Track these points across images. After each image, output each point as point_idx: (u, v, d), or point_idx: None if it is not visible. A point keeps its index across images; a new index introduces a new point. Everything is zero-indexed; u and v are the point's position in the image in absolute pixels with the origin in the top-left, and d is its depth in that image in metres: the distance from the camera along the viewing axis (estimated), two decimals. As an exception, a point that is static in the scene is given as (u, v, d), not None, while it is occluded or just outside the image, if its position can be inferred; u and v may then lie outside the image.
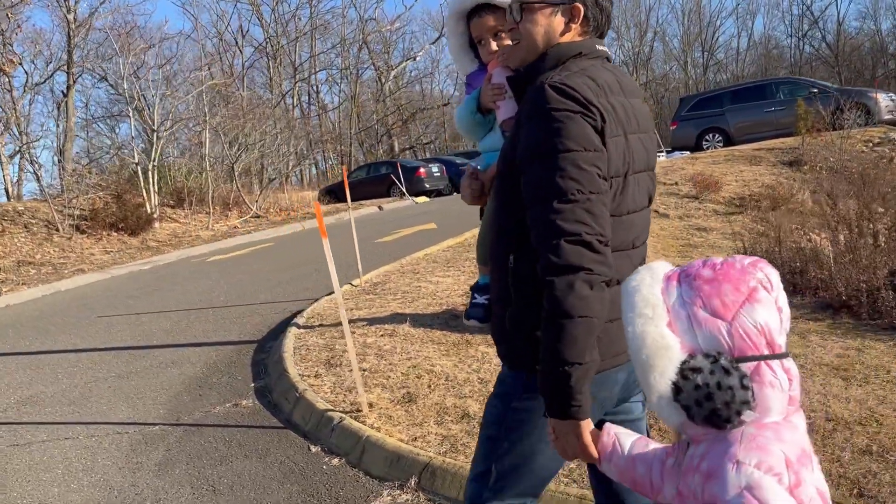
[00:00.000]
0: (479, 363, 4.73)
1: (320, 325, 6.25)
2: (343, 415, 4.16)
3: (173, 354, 6.44)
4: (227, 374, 5.66)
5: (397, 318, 6.01)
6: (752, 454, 1.06)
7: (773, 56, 70.21)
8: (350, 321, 6.15)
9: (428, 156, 47.81)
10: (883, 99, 18.05)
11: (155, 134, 17.98)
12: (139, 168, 17.77)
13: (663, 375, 1.14)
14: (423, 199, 22.78)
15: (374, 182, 25.86)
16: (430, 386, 4.42)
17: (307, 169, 47.83)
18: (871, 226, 6.00)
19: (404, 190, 23.10)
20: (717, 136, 19.52)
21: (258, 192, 20.57)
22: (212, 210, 18.88)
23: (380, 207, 20.67)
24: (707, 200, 11.61)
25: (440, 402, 4.16)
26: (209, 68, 24.02)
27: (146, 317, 8.30)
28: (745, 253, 7.29)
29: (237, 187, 20.22)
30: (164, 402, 5.16)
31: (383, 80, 51.33)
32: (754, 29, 70.52)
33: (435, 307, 6.25)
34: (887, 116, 17.78)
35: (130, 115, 18.29)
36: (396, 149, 51.11)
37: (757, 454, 1.06)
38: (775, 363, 1.11)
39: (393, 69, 52.69)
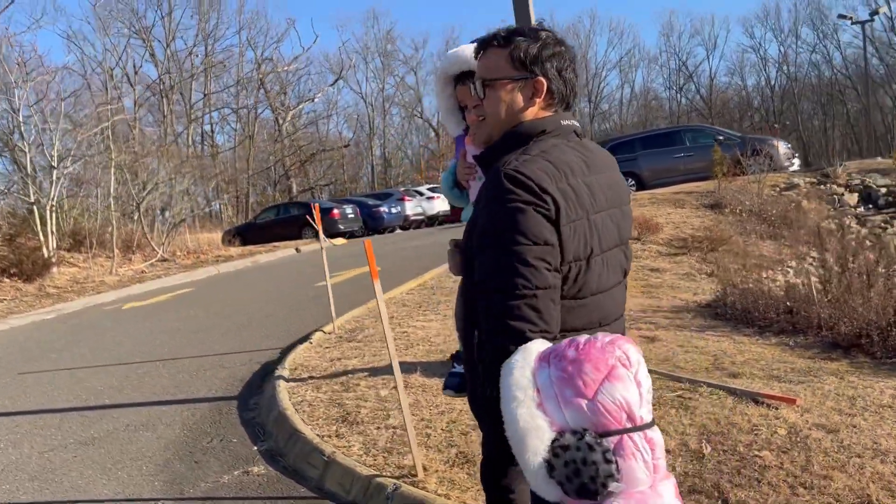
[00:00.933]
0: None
1: (311, 378, 5.69)
2: (396, 480, 3.68)
3: (137, 415, 5.68)
4: (217, 436, 5.01)
5: (403, 368, 5.54)
6: None
7: (653, 107, 74.35)
8: (346, 372, 5.65)
9: (325, 197, 47.14)
10: (783, 147, 19.24)
11: (54, 172, 16.62)
12: (35, 208, 16.33)
13: (536, 454, 1.20)
14: (340, 240, 22.19)
15: (285, 224, 25.05)
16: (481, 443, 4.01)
17: (199, 210, 45.89)
18: (854, 266, 6.09)
19: (320, 231, 22.40)
20: (630, 179, 20.07)
21: (164, 235, 19.35)
22: (115, 253, 17.57)
23: (297, 250, 19.94)
24: (649, 242, 11.78)
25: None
26: (107, 104, 22.60)
27: (81, 372, 7.39)
28: (725, 294, 7.34)
29: (143, 229, 18.96)
30: (155, 473, 4.47)
31: (281, 121, 50.41)
32: (636, 81, 74.18)
33: (437, 354, 5.84)
34: (786, 163, 18.95)
35: (25, 150, 16.81)
36: (294, 190, 50.09)
37: None
38: (637, 435, 1.19)
39: (290, 110, 51.90)
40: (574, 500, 1.20)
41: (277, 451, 4.57)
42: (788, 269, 11.65)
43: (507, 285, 1.45)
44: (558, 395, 1.21)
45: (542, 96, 1.68)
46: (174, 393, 6.19)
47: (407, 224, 28.17)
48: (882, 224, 15.19)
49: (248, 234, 24.38)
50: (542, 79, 1.66)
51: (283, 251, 19.67)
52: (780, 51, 69.83)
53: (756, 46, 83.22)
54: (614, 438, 1.19)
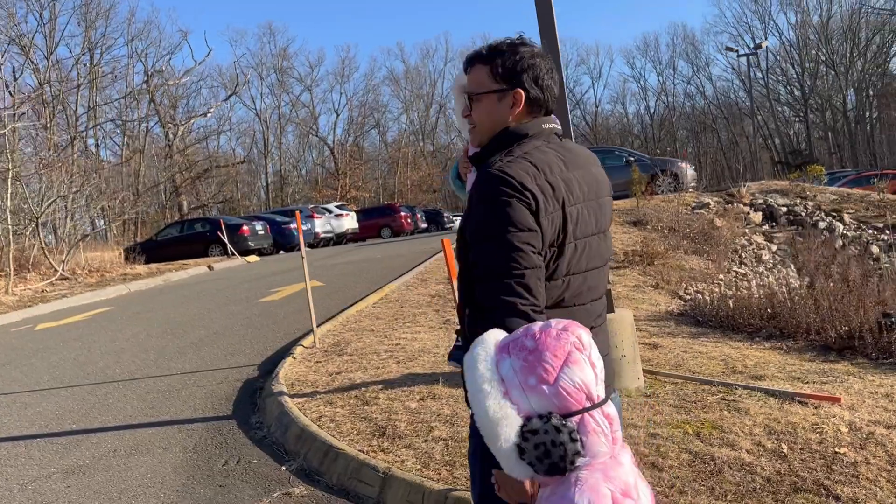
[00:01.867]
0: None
1: (316, 393, 5.36)
2: (475, 492, 3.48)
3: (120, 440, 5.17)
4: (231, 457, 4.61)
5: (419, 380, 5.33)
6: (584, 496, 1.26)
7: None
8: (354, 386, 5.38)
9: (215, 213, 45.50)
10: (688, 169, 20.26)
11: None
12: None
13: (507, 441, 1.29)
14: (253, 258, 21.39)
15: (189, 240, 23.95)
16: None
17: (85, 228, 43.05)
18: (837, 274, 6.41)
19: (232, 249, 21.55)
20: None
21: (66, 252, 18.02)
22: (11, 271, 16.18)
23: (210, 267, 19.04)
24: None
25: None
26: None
27: (24, 397, 6.68)
28: (704, 302, 7.55)
29: (42, 245, 17.58)
30: (177, 500, 4.05)
31: (171, 137, 48.36)
32: (526, 106, 76.07)
33: (447, 365, 5.65)
34: (692, 184, 19.95)
35: None
36: (185, 208, 48.06)
37: (588, 495, 1.26)
38: (597, 412, 1.30)
39: (181, 125, 49.91)
40: (544, 476, 1.31)
41: (312, 469, 4.24)
42: (720, 282, 12.21)
43: (501, 268, 1.65)
44: (522, 383, 1.30)
45: (522, 106, 1.86)
46: (152, 415, 5.68)
47: (316, 242, 27.59)
48: (786, 241, 16.20)
49: (150, 251, 23.10)
50: (520, 90, 1.86)
51: (194, 269, 18.72)
52: (658, 81, 74.07)
53: (637, 76, 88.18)
54: (577, 418, 1.29)
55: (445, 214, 44.02)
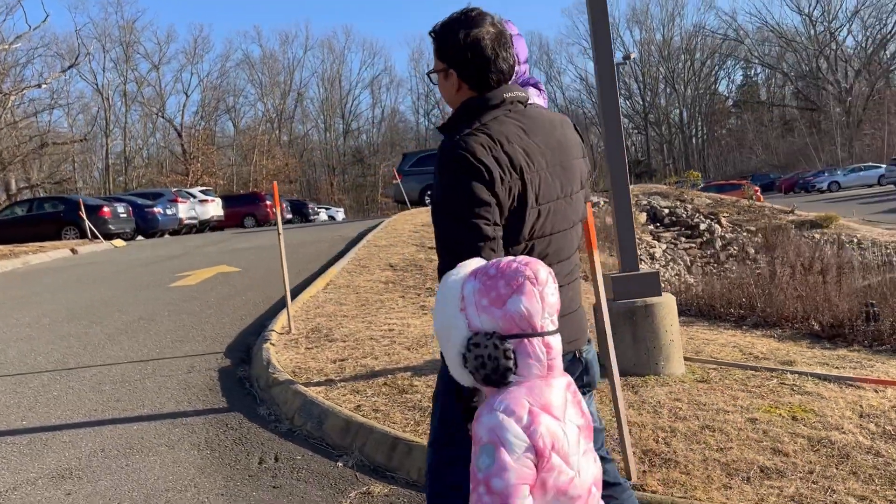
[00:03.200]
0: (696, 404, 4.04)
1: (331, 381, 4.79)
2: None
3: (101, 438, 4.37)
4: (263, 453, 3.99)
5: (431, 367, 4.90)
6: (504, 402, 1.41)
7: (400, 129, 76.83)
8: (375, 374, 4.88)
9: (43, 194, 41.53)
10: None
11: None
12: None
13: (455, 347, 1.46)
14: (119, 242, 19.59)
15: (39, 221, 21.53)
16: (666, 442, 3.63)
17: None
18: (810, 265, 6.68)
19: (94, 231, 19.59)
20: (438, 192, 20.42)
21: None
22: None
23: (73, 250, 17.18)
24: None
25: (724, 458, 3.43)
26: None
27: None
28: (679, 290, 7.62)
29: None
30: (230, 505, 3.41)
31: None
32: (385, 102, 76.00)
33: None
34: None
35: None
36: (14, 187, 43.42)
37: (506, 402, 1.41)
38: (536, 340, 1.44)
39: (11, 95, 45.00)
40: (482, 385, 1.47)
41: (377, 465, 3.73)
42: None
43: (455, 242, 1.74)
44: (476, 303, 1.46)
45: (459, 84, 1.90)
46: (125, 409, 4.86)
47: (180, 228, 25.80)
48: (672, 240, 17.11)
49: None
50: (452, 71, 1.89)
51: (54, 252, 16.76)
52: (514, 86, 76.25)
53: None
54: (516, 340, 1.43)
55: (310, 206, 42.77)
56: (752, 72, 70.75)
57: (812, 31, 63.36)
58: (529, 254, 1.84)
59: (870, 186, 42.96)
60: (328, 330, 6.18)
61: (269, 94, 70.02)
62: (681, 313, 6.99)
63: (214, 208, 29.18)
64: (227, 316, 7.50)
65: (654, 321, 4.67)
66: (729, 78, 73.12)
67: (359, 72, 74.51)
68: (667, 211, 18.63)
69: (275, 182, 6.64)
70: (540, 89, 3.85)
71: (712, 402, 4.05)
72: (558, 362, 1.50)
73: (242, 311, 7.66)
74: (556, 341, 1.49)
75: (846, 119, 57.65)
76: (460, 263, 1.57)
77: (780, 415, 3.85)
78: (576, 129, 2.09)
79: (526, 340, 1.45)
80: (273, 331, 6.20)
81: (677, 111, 70.26)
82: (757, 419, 3.79)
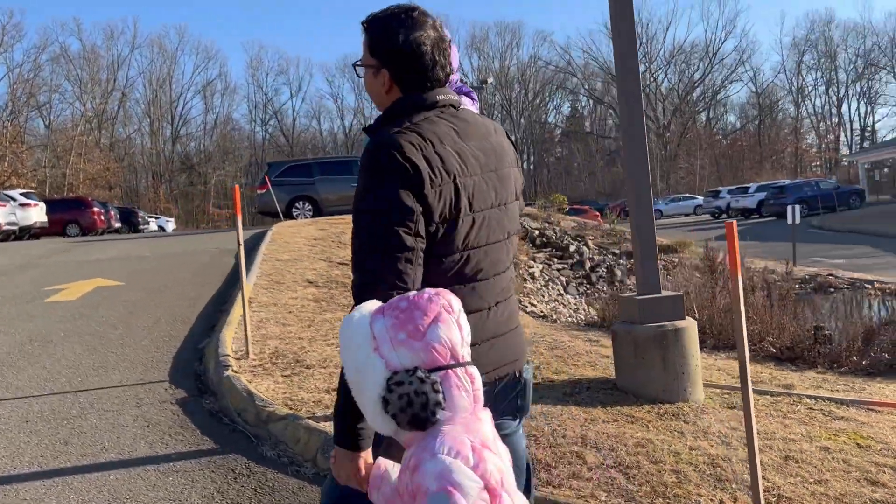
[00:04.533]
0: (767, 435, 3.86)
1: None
2: None
3: (69, 489, 3.51)
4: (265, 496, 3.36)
5: None
6: (445, 444, 1.30)
7: (234, 137, 73.77)
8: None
9: None
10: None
11: None
12: None
13: (372, 391, 1.34)
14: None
15: None
16: (765, 476, 3.45)
17: None
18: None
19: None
20: (307, 204, 19.62)
21: None
22: None
23: None
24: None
25: (829, 492, 3.29)
26: None
27: None
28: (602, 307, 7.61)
29: None
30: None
31: None
32: (219, 109, 72.53)
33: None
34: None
35: None
36: None
37: (448, 443, 1.30)
38: (460, 370, 1.37)
39: None
40: (407, 430, 1.34)
41: None
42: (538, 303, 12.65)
43: (374, 244, 1.58)
44: (392, 339, 1.35)
45: (390, 85, 1.76)
46: (86, 455, 3.98)
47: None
48: (546, 261, 17.51)
49: None
50: (385, 71, 1.75)
51: None
52: (356, 102, 75.85)
53: (335, 94, 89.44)
54: (441, 373, 1.34)
55: (140, 214, 39.69)
56: (580, 104, 75.42)
57: (634, 71, 68.55)
58: (465, 265, 1.71)
59: (687, 215, 46.97)
60: (294, 354, 5.49)
61: (88, 92, 64.54)
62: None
63: (38, 213, 26.23)
64: (144, 338, 6.51)
65: (683, 345, 4.53)
66: (557, 109, 77.28)
67: (192, 75, 70.51)
68: (537, 232, 19.06)
69: (237, 185, 5.85)
70: (473, 98, 3.66)
71: (771, 431, 3.95)
72: (481, 394, 1.42)
73: (160, 332, 6.69)
74: (475, 371, 1.41)
75: (664, 153, 62.94)
76: (358, 306, 1.46)
77: (844, 442, 3.82)
78: (508, 137, 1.96)
79: (451, 372, 1.36)
80: (227, 356, 5.41)
81: (512, 138, 73.26)
82: (829, 448, 3.72)
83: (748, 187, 39.69)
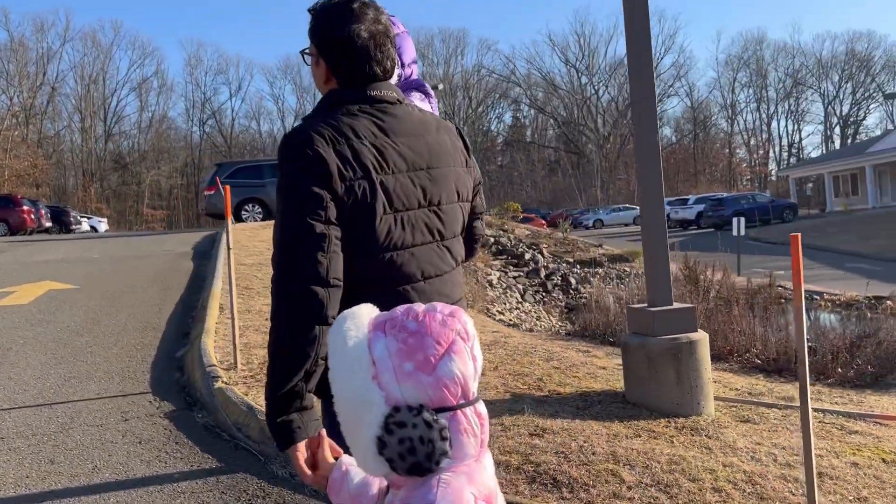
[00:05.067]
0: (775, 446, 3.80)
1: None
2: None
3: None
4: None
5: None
6: (447, 500, 1.11)
7: (170, 136, 71.76)
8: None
9: None
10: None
11: None
12: None
13: (369, 428, 1.13)
14: None
15: None
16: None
17: None
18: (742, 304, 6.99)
19: None
20: (257, 206, 19.15)
21: None
22: None
23: None
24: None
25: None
26: None
27: None
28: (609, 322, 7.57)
29: None
30: None
31: None
32: (155, 107, 70.30)
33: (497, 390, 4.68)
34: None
35: None
36: None
37: (449, 498, 1.11)
38: (469, 410, 1.15)
39: None
40: (402, 475, 1.13)
41: None
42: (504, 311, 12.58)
43: (287, 237, 1.54)
44: (396, 367, 1.13)
45: (327, 74, 1.74)
46: (76, 475, 3.66)
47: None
48: (503, 268, 17.47)
49: None
50: (322, 60, 1.74)
51: None
52: (298, 103, 74.84)
53: (276, 95, 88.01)
54: (449, 413, 1.13)
55: (72, 214, 38.06)
56: (522, 114, 76.18)
57: (577, 83, 69.86)
58: (388, 267, 1.64)
59: (626, 225, 47.88)
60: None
61: (15, 86, 61.78)
62: (607, 343, 6.97)
63: None
64: (114, 346, 6.12)
65: (697, 358, 4.47)
66: (499, 119, 77.86)
67: (127, 72, 68.15)
68: (492, 240, 19.05)
69: (226, 186, 5.54)
70: (426, 93, 3.49)
71: (791, 446, 3.91)
72: (487, 436, 1.19)
73: (130, 340, 6.31)
74: (484, 409, 1.18)
75: (604, 164, 64.10)
76: (348, 313, 1.22)
77: (870, 458, 3.81)
78: (460, 135, 1.89)
79: (460, 413, 1.13)
80: (214, 366, 5.11)
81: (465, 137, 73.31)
82: (858, 464, 3.70)
83: (687, 199, 40.71)
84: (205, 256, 11.43)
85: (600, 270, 18.14)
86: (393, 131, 1.68)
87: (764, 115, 72.06)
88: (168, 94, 71.43)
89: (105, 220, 47.91)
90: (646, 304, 4.77)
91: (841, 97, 70.75)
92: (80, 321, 7.03)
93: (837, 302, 13.18)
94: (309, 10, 1.77)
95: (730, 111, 72.09)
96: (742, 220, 21.68)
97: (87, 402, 4.72)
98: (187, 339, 6.32)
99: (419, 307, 1.21)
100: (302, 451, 1.47)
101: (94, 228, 41.43)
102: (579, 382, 5.08)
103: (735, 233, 21.79)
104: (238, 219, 18.40)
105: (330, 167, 1.56)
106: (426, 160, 1.72)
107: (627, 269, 18.37)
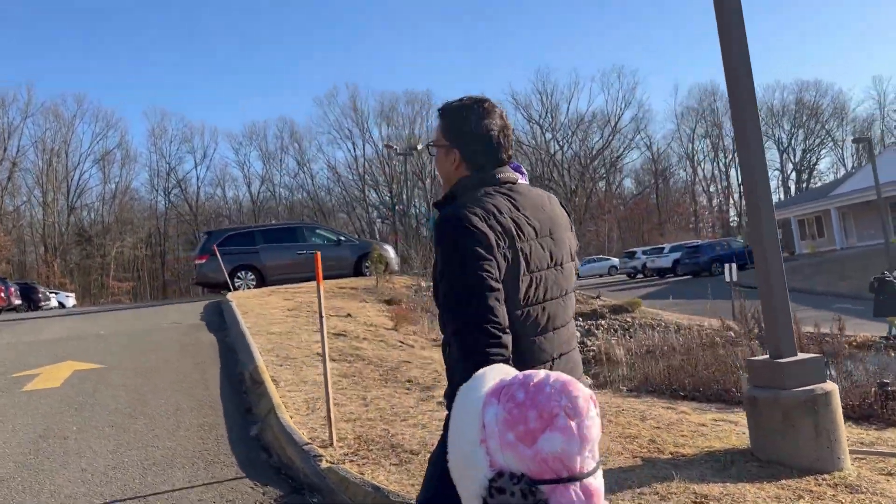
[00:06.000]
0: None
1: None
2: None
3: None
4: None
5: (631, 475, 4.05)
6: None
7: (133, 206, 70.73)
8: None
9: None
10: (392, 251, 20.52)
11: None
12: None
13: (475, 487, 1.20)
14: None
15: None
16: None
17: None
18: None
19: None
20: (250, 273, 18.74)
21: None
22: None
23: None
24: (405, 332, 11.09)
25: None
26: None
27: None
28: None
29: None
30: None
31: None
32: (119, 178, 69.26)
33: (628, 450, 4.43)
34: (395, 267, 20.15)
35: None
36: None
37: None
38: (574, 485, 1.18)
39: None
40: None
41: None
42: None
43: (464, 293, 1.77)
44: (500, 436, 1.19)
45: (459, 163, 2.03)
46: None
47: None
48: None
49: None
50: (456, 150, 2.03)
51: None
52: (265, 168, 74.51)
53: (241, 162, 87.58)
54: (550, 487, 1.16)
55: (41, 290, 36.89)
56: (486, 171, 76.97)
57: (542, 138, 71.15)
58: (527, 320, 1.88)
59: (601, 276, 48.17)
60: (381, 437, 4.91)
61: None
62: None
63: None
64: (178, 428, 5.73)
65: (832, 409, 4.31)
66: (466, 176, 78.39)
67: (90, 144, 67.25)
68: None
69: (317, 252, 5.28)
70: (522, 173, 3.64)
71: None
72: None
73: (190, 420, 5.93)
74: (597, 482, 1.21)
75: (573, 216, 64.80)
76: (478, 374, 1.33)
77: None
78: (562, 205, 2.17)
79: (562, 486, 1.17)
80: (309, 444, 4.78)
81: (421, 202, 73.55)
82: None
83: (663, 247, 41.17)
84: (219, 327, 11.02)
85: (603, 322, 18.09)
86: (523, 206, 1.96)
87: (722, 165, 74.03)
88: (131, 165, 70.47)
89: (72, 294, 46.56)
90: (767, 356, 4.63)
91: (793, 145, 73.23)
92: (126, 402, 6.61)
93: (854, 343, 13.22)
94: (440, 110, 2.11)
95: (691, 161, 73.94)
96: (733, 266, 21.85)
97: (184, 491, 4.35)
98: (252, 416, 5.96)
99: (535, 377, 1.24)
100: None
101: (61, 304, 40.13)
102: (694, 442, 4.86)
103: (727, 279, 21.94)
104: (231, 286, 17.94)
105: (490, 238, 1.82)
106: (549, 227, 2.00)
107: (630, 320, 18.34)
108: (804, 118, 72.17)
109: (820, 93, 72.01)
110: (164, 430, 5.69)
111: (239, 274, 18.53)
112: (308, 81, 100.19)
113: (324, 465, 4.41)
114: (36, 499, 4.34)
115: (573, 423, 1.17)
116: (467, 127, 2.02)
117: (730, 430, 5.24)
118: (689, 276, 36.92)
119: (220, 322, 11.58)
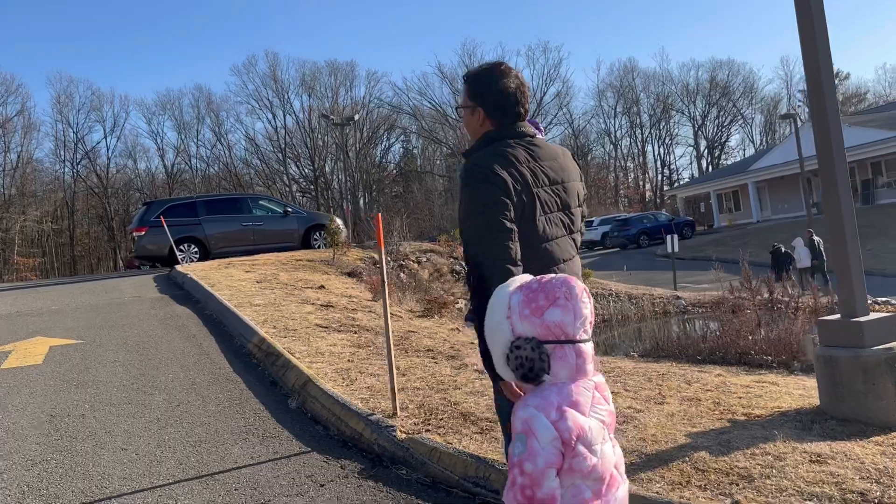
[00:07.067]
0: None
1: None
2: None
3: None
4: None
5: (743, 436, 3.96)
6: (535, 399, 1.71)
7: (37, 178, 66.73)
8: (664, 458, 3.78)
9: None
10: (342, 224, 20.00)
11: None
12: None
13: (500, 348, 1.77)
14: None
15: None
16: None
17: None
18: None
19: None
20: (193, 246, 17.90)
21: None
22: None
23: None
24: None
25: None
26: None
27: None
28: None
29: None
30: None
31: None
32: (21, 148, 64.93)
33: (685, 423, 4.35)
34: (344, 239, 19.65)
35: None
36: None
37: (538, 399, 1.71)
38: (568, 346, 1.73)
39: None
40: (520, 381, 1.76)
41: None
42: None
43: (484, 233, 2.14)
44: (520, 312, 1.74)
45: (483, 119, 2.40)
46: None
47: None
48: (465, 296, 17.16)
49: None
50: (480, 109, 2.41)
51: None
52: (179, 139, 71.45)
53: (154, 132, 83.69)
54: (552, 346, 1.72)
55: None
56: (410, 144, 76.49)
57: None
58: (543, 254, 2.27)
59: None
60: (445, 405, 4.69)
61: None
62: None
63: None
64: (209, 403, 5.33)
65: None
66: (389, 150, 77.74)
67: (-18, 111, 62.45)
68: (446, 268, 18.72)
69: (378, 213, 4.93)
70: (539, 128, 3.63)
71: None
72: (588, 366, 1.77)
73: (215, 394, 5.53)
74: (587, 348, 1.77)
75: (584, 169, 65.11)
76: (512, 278, 1.89)
77: None
78: (574, 158, 2.53)
79: (559, 346, 1.73)
80: (374, 414, 4.51)
81: (344, 176, 72.35)
82: None
83: (592, 220, 41.97)
84: (188, 300, 10.44)
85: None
86: (539, 157, 2.35)
87: (638, 141, 75.94)
88: (34, 134, 66.22)
89: (-24, 270, 43.63)
90: (838, 316, 4.63)
91: (706, 122, 75.76)
92: (131, 378, 6.12)
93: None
94: (464, 76, 2.51)
95: (612, 136, 75.48)
96: (675, 237, 22.43)
97: (255, 467, 4.02)
98: (279, 389, 5.61)
99: (547, 276, 1.84)
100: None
101: (-35, 281, 37.59)
102: (759, 402, 4.85)
103: (669, 249, 22.52)
104: (173, 260, 17.06)
105: (508, 184, 2.20)
106: (561, 177, 2.39)
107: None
108: (717, 97, 74.69)
109: (732, 72, 74.62)
110: (192, 405, 5.27)
111: (181, 246, 17.64)
112: (225, 50, 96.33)
113: (400, 435, 4.15)
114: (85, 482, 3.92)
115: (570, 304, 1.74)
116: (487, 88, 2.39)
117: (778, 390, 5.26)
118: (617, 249, 37.81)
119: (187, 295, 10.98)
